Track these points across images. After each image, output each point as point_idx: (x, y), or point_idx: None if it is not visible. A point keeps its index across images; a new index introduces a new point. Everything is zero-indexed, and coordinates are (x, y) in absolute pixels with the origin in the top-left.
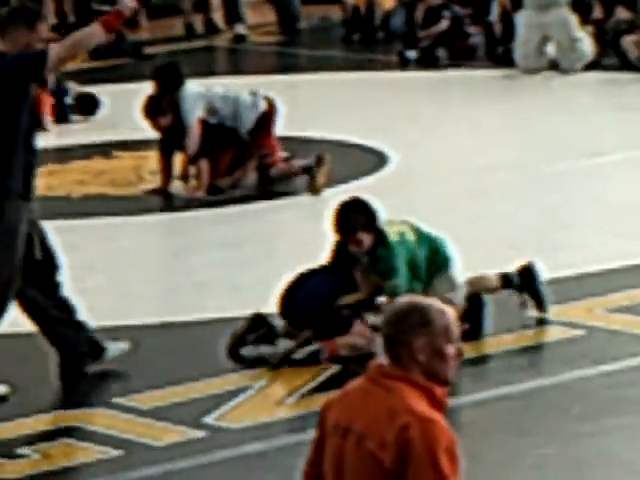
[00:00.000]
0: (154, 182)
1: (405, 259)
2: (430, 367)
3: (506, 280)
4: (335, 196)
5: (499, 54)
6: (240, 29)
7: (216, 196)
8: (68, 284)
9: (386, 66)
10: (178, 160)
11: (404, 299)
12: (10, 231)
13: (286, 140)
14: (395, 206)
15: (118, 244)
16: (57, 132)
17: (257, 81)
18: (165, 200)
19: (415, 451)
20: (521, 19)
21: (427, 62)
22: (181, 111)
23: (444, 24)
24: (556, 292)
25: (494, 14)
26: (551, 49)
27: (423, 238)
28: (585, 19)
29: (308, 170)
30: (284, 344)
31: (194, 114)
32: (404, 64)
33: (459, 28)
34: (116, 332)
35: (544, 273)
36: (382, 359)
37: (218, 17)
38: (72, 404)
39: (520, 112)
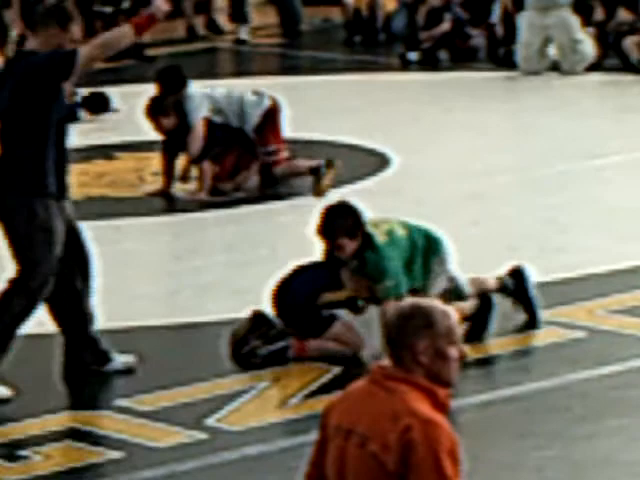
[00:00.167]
0: (156, 184)
1: (399, 258)
2: (433, 369)
3: (502, 283)
4: (337, 198)
5: (501, 56)
6: (242, 33)
7: (218, 198)
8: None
9: (388, 68)
10: (180, 162)
11: (407, 301)
12: (45, 229)
13: (287, 142)
14: (395, 208)
15: (120, 246)
16: None
17: (258, 83)
18: (167, 202)
19: (417, 453)
20: (523, 21)
21: (429, 64)
22: (186, 110)
23: (446, 26)
24: (557, 294)
25: (495, 16)
26: (553, 51)
27: (414, 230)
28: (587, 21)
29: (315, 171)
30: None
31: (198, 113)
32: (406, 66)
33: (461, 30)
34: (118, 334)
35: (540, 276)
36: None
37: (221, 18)
38: (73, 406)
39: (521, 114)
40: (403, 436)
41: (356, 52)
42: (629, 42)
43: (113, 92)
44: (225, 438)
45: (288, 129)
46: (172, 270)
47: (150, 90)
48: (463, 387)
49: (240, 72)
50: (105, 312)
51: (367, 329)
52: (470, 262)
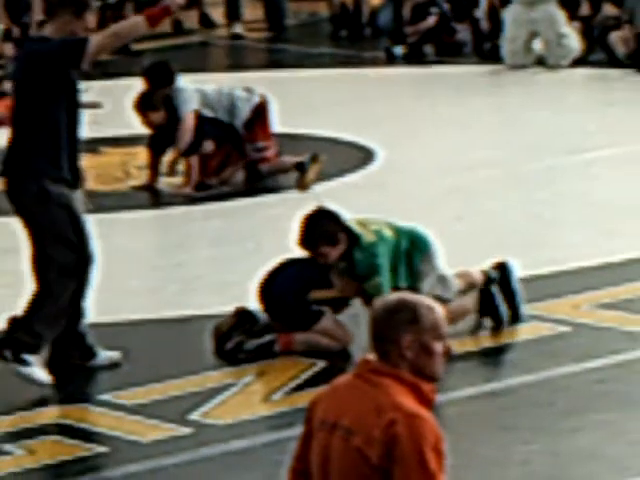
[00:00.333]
0: (141, 178)
1: (387, 256)
2: (418, 364)
3: (487, 276)
4: (324, 193)
5: (486, 50)
6: (237, 28)
7: (204, 192)
8: None
9: (373, 62)
10: (166, 156)
11: (393, 296)
12: (61, 205)
13: (274, 136)
14: (380, 202)
15: (105, 240)
16: None
17: (244, 77)
18: (153, 196)
19: (402, 447)
20: (509, 15)
21: (414, 58)
22: (175, 105)
23: (431, 20)
24: (542, 288)
25: (481, 10)
26: (538, 45)
27: (401, 232)
28: (573, 15)
29: (300, 166)
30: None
31: (188, 106)
32: (391, 60)
33: (446, 24)
34: (103, 328)
35: (525, 270)
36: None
37: (215, 13)
38: (57, 401)
39: (507, 108)
40: (387, 430)
41: (342, 46)
42: (615, 37)
43: (99, 86)
44: (209, 432)
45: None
46: (158, 264)
47: (137, 85)
48: (448, 381)
49: (226, 66)
50: (91, 306)
51: (355, 324)
52: (455, 257)
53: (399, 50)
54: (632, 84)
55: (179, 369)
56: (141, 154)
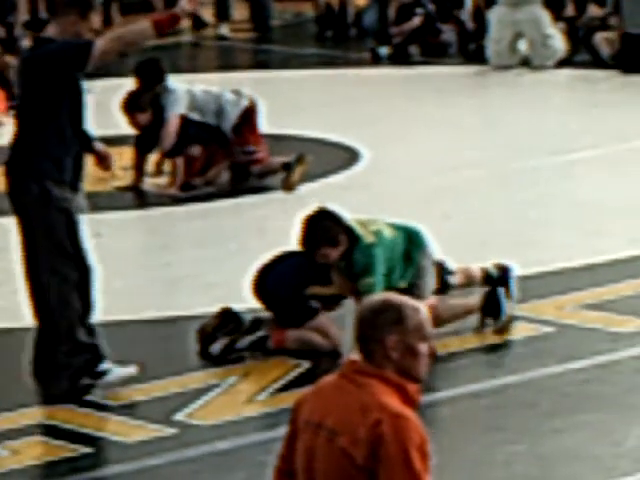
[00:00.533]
0: (126, 179)
1: (383, 258)
2: (403, 364)
3: (486, 273)
4: (309, 193)
5: (471, 51)
6: (223, 29)
7: (189, 192)
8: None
9: (359, 63)
10: (152, 156)
11: (378, 296)
12: (61, 210)
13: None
14: (365, 203)
15: (89, 241)
16: None
17: (229, 77)
18: (137, 197)
19: (387, 447)
20: (494, 16)
21: (399, 59)
22: (162, 104)
23: (416, 21)
24: (526, 289)
25: (466, 10)
26: (523, 46)
27: (399, 229)
28: (557, 16)
29: (286, 166)
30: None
31: (174, 108)
32: (376, 61)
33: (431, 25)
34: None
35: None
36: (350, 355)
37: (204, 13)
38: (41, 401)
39: (492, 109)
40: (373, 430)
41: (327, 47)
42: (599, 37)
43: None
44: (194, 433)
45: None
46: (142, 265)
47: (123, 85)
48: (433, 382)
49: (211, 67)
50: None
51: (341, 324)
52: (441, 257)
53: (384, 51)
54: (616, 85)
55: (164, 370)
56: (125, 155)
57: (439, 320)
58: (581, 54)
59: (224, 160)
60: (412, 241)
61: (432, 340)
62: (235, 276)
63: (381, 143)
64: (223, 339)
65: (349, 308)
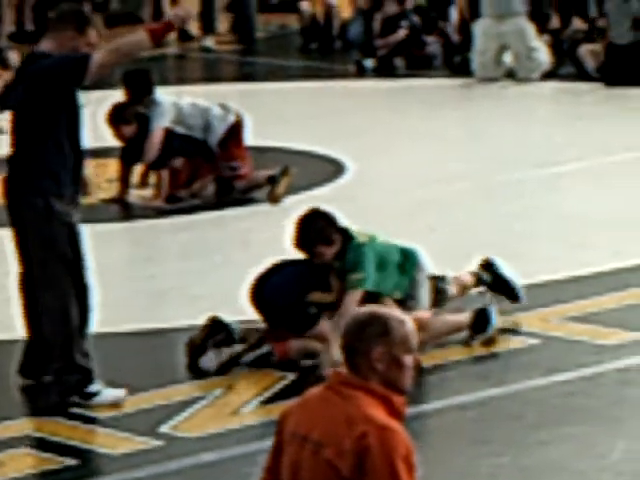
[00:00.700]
0: (111, 191)
1: (374, 258)
2: (388, 376)
3: (478, 277)
4: (294, 205)
5: (456, 63)
6: (208, 41)
7: (174, 205)
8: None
9: (343, 75)
10: (138, 169)
11: (364, 309)
12: (66, 224)
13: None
14: (351, 215)
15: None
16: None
17: (214, 90)
18: (123, 209)
19: (373, 459)
20: (479, 28)
21: (384, 71)
22: (148, 116)
23: (402, 33)
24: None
25: (451, 23)
26: (508, 58)
27: (395, 244)
28: (542, 29)
29: (271, 180)
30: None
31: (159, 121)
32: (361, 73)
33: (417, 37)
34: None
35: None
36: (340, 367)
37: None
38: (27, 413)
39: (477, 121)
40: (359, 442)
41: (312, 59)
42: (584, 50)
43: None
44: (179, 445)
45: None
46: (127, 277)
47: (109, 97)
48: (418, 394)
49: (197, 79)
50: None
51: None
52: (437, 271)
53: (369, 63)
54: (601, 97)
55: (149, 382)
56: (111, 166)
57: (431, 335)
58: (566, 67)
59: (209, 173)
60: (407, 256)
61: (417, 352)
62: (220, 288)
63: (366, 155)
64: (212, 351)
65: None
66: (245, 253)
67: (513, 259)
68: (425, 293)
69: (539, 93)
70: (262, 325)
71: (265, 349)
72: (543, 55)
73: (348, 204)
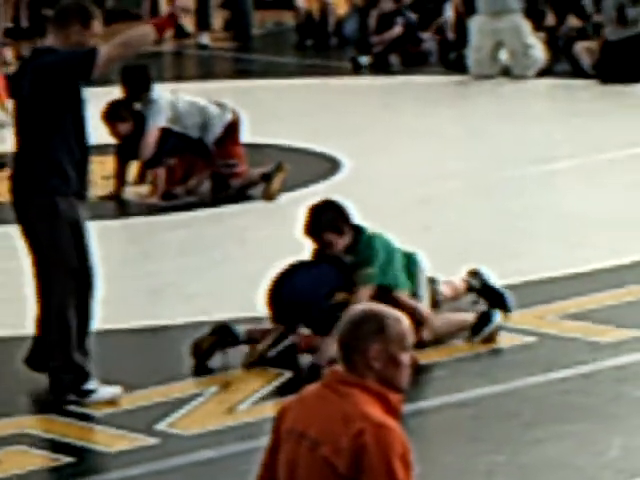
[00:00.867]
0: (107, 187)
1: (383, 251)
2: (385, 374)
3: (468, 284)
4: (288, 202)
5: (452, 60)
6: (204, 38)
7: (170, 202)
8: (19, 290)
9: (339, 72)
10: (133, 166)
11: (360, 307)
12: (71, 224)
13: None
14: None
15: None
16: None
17: (210, 86)
18: (119, 206)
19: (369, 457)
20: (474, 25)
21: (380, 68)
22: (145, 115)
23: (397, 30)
24: None
25: (447, 19)
26: (504, 55)
27: (398, 248)
28: (538, 26)
29: (266, 177)
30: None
31: (155, 120)
32: (357, 70)
33: (412, 34)
34: None
35: (495, 279)
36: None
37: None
38: (23, 411)
39: (472, 118)
40: (356, 440)
41: (308, 56)
42: (579, 47)
43: None
44: (176, 443)
45: None
46: (124, 274)
47: (104, 93)
48: (414, 392)
49: (192, 76)
50: None
51: None
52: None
53: (365, 60)
54: (597, 94)
55: (146, 379)
56: (106, 163)
57: (436, 333)
58: (561, 64)
59: (205, 169)
60: (409, 259)
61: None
62: (217, 285)
63: (362, 152)
64: (219, 353)
65: None
66: (242, 250)
67: (511, 257)
68: (426, 295)
69: (535, 90)
70: (266, 325)
71: (288, 342)
72: (539, 52)
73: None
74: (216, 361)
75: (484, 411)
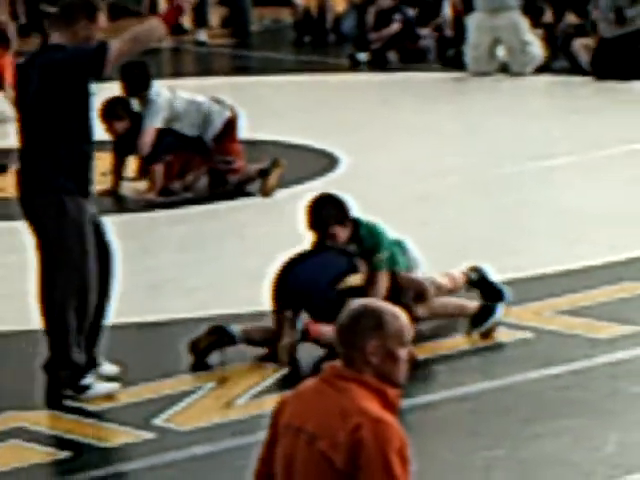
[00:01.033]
0: (105, 183)
1: (385, 234)
2: (382, 369)
3: (467, 277)
4: (286, 198)
5: (450, 57)
6: (201, 35)
7: (167, 198)
8: (18, 286)
9: (337, 68)
10: (130, 162)
11: (358, 302)
12: (76, 225)
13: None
14: None
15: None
16: (2, 133)
17: (208, 83)
18: (116, 201)
19: (367, 452)
20: (472, 22)
21: (378, 64)
22: (142, 114)
23: (395, 27)
24: None
25: (445, 16)
26: (502, 52)
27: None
28: (536, 22)
29: (263, 173)
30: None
31: (152, 121)
32: (355, 66)
33: (410, 31)
34: None
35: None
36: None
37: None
38: (20, 405)
39: (470, 115)
40: (353, 435)
41: (305, 53)
42: (577, 44)
43: None
44: (173, 438)
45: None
46: (123, 269)
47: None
48: (412, 387)
49: (190, 72)
50: None
51: None
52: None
53: (363, 56)
54: (595, 91)
55: (144, 374)
56: (103, 160)
57: (432, 311)
58: (559, 60)
59: (202, 165)
60: (399, 245)
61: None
62: (216, 280)
63: (360, 149)
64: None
65: None
66: (241, 245)
67: (509, 253)
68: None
69: (533, 87)
70: (263, 323)
71: (299, 328)
72: (536, 49)
73: None
74: (214, 359)
75: (482, 407)
